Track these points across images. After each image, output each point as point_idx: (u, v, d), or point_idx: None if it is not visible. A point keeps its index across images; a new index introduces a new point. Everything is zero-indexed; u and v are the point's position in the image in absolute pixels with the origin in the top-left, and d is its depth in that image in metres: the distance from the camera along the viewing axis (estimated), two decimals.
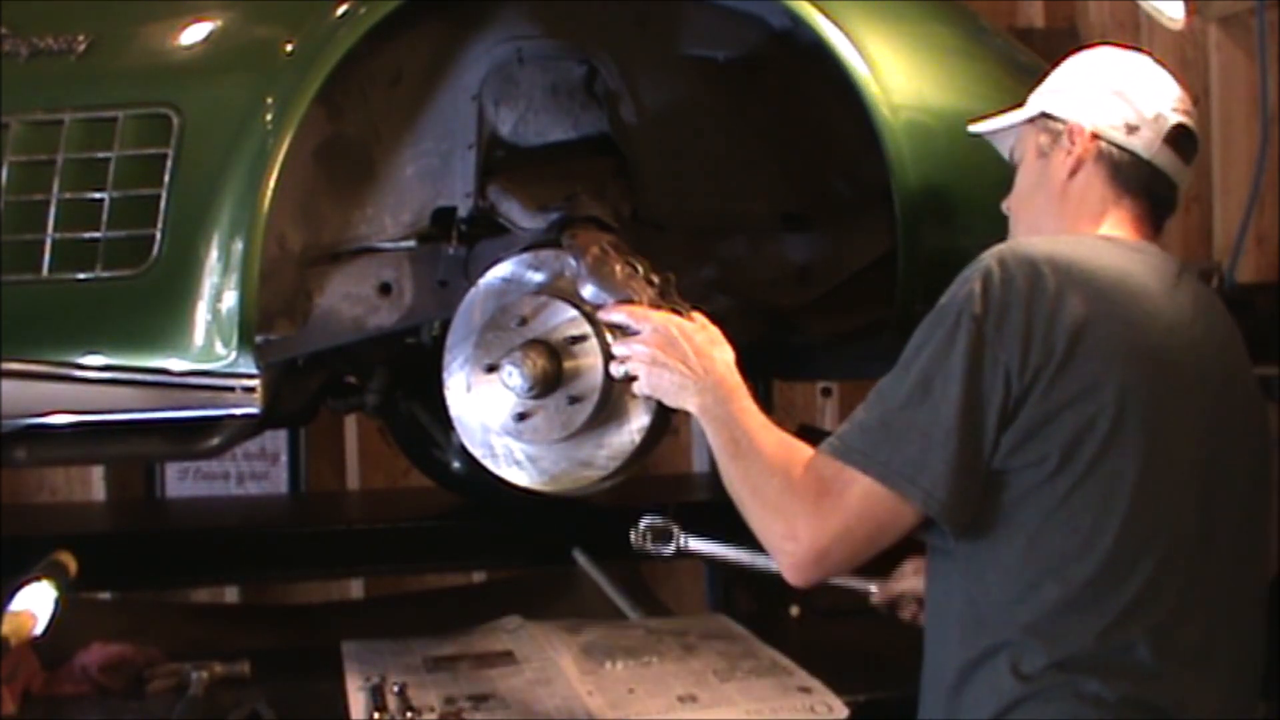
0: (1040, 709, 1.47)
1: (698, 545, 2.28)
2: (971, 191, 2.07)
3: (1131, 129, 1.63)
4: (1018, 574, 1.49)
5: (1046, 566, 1.48)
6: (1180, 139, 1.64)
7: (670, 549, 2.29)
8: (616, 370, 1.85)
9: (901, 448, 1.48)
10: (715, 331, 1.83)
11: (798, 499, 1.53)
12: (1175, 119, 1.64)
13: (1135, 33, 4.20)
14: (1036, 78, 2.23)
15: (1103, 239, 1.62)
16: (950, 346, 1.49)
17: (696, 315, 1.86)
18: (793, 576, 1.56)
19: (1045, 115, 1.70)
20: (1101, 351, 1.47)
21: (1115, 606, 1.47)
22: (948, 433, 1.47)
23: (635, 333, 1.82)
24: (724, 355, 1.78)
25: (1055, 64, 2.07)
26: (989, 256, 1.53)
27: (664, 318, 1.80)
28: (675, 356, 1.76)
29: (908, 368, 1.52)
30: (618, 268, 1.91)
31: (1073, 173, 1.65)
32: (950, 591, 1.56)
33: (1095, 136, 1.64)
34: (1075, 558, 1.47)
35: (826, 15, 2.00)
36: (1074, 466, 1.46)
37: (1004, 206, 1.77)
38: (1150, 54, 1.74)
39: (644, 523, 2.31)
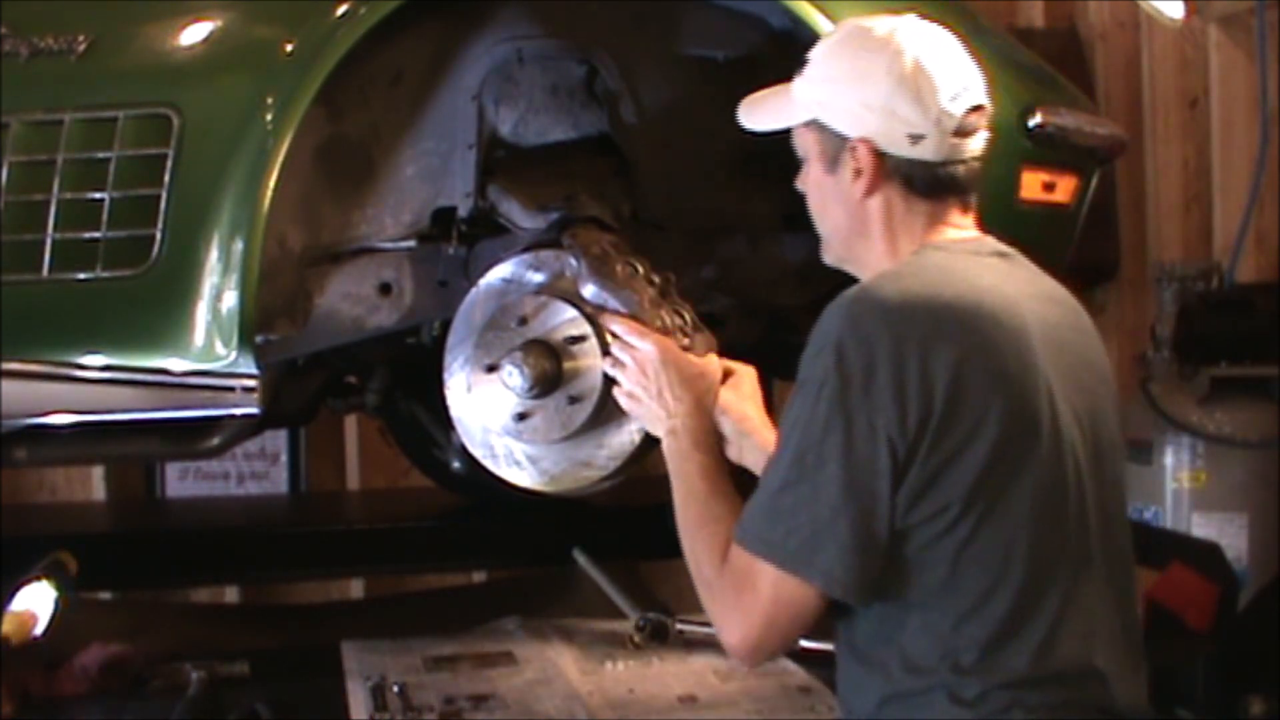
0: None
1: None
2: None
3: (916, 139, 1.54)
4: (939, 620, 1.46)
5: (966, 608, 1.45)
6: (969, 121, 1.56)
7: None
8: (608, 370, 1.86)
9: (794, 530, 1.45)
10: (710, 366, 1.78)
11: (726, 592, 1.52)
12: (958, 109, 1.54)
13: (1135, 32, 4.21)
14: (1035, 78, 2.22)
15: (936, 251, 1.56)
16: (815, 422, 1.44)
17: (711, 356, 1.81)
18: (738, 660, 1.57)
19: (821, 123, 1.61)
20: (979, 387, 1.43)
21: (1043, 625, 1.45)
22: (834, 510, 1.43)
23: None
24: (704, 395, 1.74)
25: (1055, 64, 2.05)
26: (836, 316, 1.47)
27: (658, 342, 1.78)
28: (653, 385, 1.75)
29: (785, 446, 1.49)
30: (618, 268, 1.91)
31: (867, 194, 1.58)
32: (861, 641, 1.52)
33: (879, 153, 1.55)
34: (992, 592, 1.44)
35: (827, 15, 2.00)
36: (977, 506, 1.43)
37: (798, 184, 1.68)
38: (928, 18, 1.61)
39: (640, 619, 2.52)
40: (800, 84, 1.64)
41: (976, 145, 1.58)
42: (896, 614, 1.48)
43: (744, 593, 1.49)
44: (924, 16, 1.63)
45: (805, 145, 1.65)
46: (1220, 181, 4.05)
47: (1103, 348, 1.63)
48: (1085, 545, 1.50)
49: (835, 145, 1.59)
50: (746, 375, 1.82)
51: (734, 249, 2.30)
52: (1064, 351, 1.53)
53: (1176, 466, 3.54)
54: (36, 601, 2.38)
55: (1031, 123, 2.08)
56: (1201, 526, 3.47)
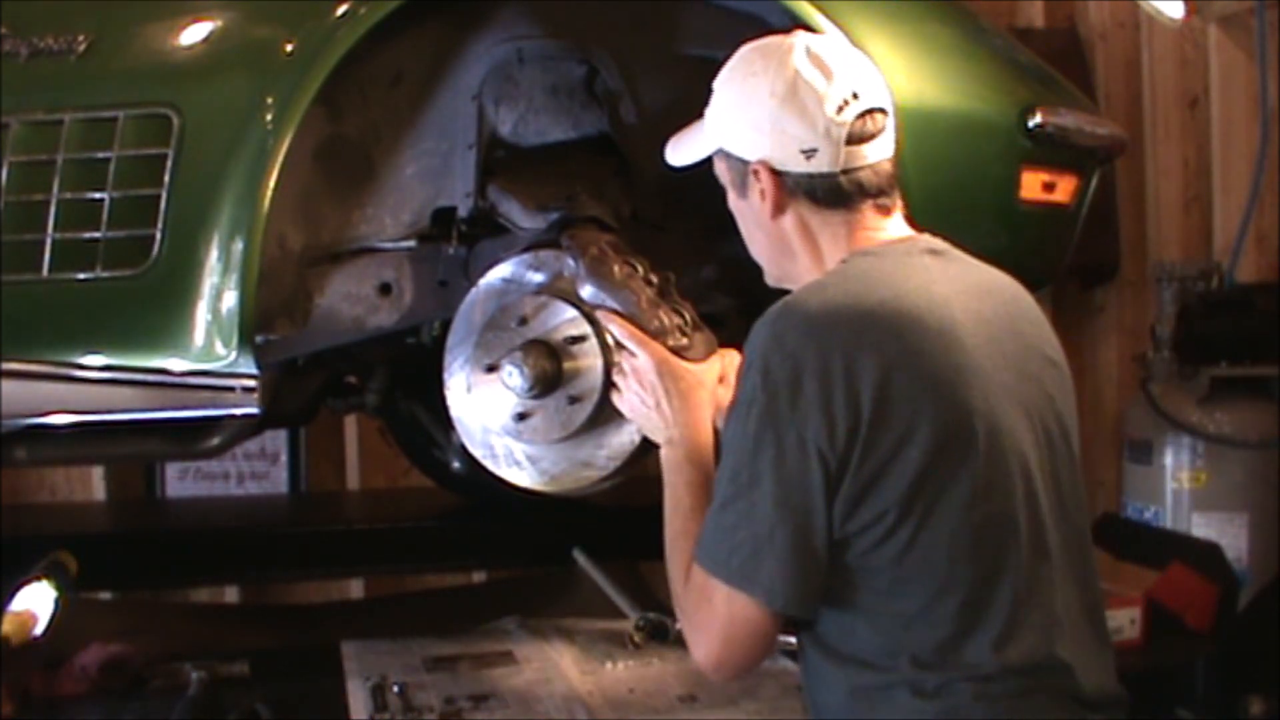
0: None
1: None
2: (971, 191, 2.07)
3: (809, 153, 1.53)
4: (889, 623, 1.46)
5: (915, 610, 1.45)
6: (863, 127, 1.54)
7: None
8: (615, 378, 1.86)
9: (737, 548, 1.46)
10: (707, 374, 1.78)
11: (689, 609, 1.54)
12: (847, 116, 1.53)
13: (1135, 32, 4.21)
14: (1035, 78, 2.22)
15: (864, 257, 1.55)
16: (747, 439, 1.45)
17: (711, 360, 1.81)
18: (709, 676, 1.57)
19: (725, 151, 1.62)
20: (907, 394, 1.42)
21: (999, 621, 1.45)
22: (771, 526, 1.43)
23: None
24: (700, 406, 1.74)
25: (1055, 64, 2.04)
26: (761, 332, 1.48)
27: (655, 352, 1.77)
28: (651, 395, 1.75)
29: (723, 464, 1.50)
30: (616, 268, 1.91)
31: (776, 213, 1.59)
32: (823, 638, 1.53)
33: (777, 173, 1.56)
34: (941, 594, 1.44)
35: (826, 15, 2.00)
36: (914, 512, 1.42)
37: (730, 204, 1.69)
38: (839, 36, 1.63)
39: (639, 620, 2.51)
40: (708, 114, 1.65)
41: (879, 149, 1.57)
42: (848, 619, 1.49)
43: (702, 609, 1.51)
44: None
45: (720, 174, 1.67)
46: (1220, 181, 4.05)
47: (1050, 332, 1.62)
48: (1040, 537, 1.50)
49: (739, 171, 1.61)
50: (732, 366, 1.80)
51: (734, 249, 2.30)
52: (1001, 342, 1.52)
53: (1176, 466, 3.54)
54: (36, 601, 2.38)
55: (1031, 123, 2.08)
56: (1201, 526, 3.47)
